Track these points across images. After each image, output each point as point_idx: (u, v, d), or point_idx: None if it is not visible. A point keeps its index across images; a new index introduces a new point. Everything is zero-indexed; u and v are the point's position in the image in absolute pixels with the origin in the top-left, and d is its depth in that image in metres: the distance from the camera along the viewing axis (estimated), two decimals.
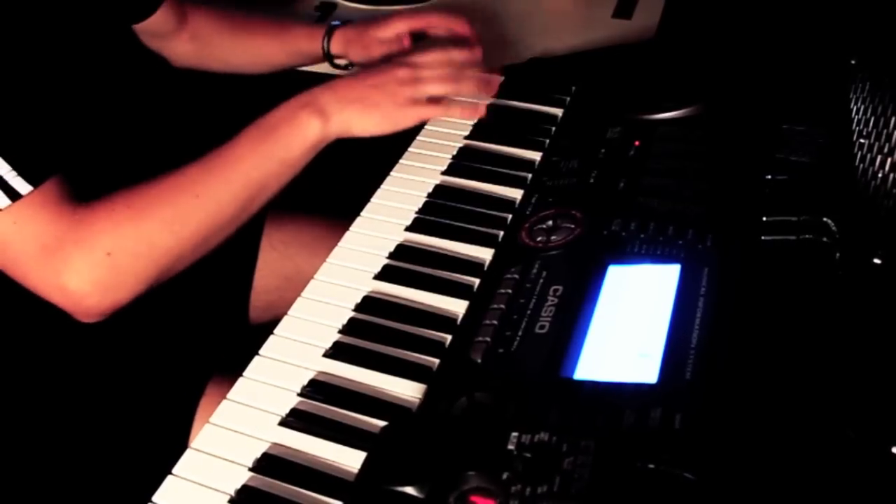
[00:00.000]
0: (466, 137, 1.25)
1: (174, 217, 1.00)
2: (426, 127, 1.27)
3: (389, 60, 1.18)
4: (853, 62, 1.09)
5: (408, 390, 0.90)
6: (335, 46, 1.39)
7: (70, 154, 1.00)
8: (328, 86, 1.11)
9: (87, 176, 1.01)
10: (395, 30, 1.35)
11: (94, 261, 0.96)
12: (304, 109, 1.08)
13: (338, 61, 1.41)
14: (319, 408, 0.89)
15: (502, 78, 1.26)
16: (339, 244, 1.09)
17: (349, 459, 0.84)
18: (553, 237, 1.01)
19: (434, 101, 1.15)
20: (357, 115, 1.09)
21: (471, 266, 1.03)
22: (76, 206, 0.97)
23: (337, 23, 1.40)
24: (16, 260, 0.95)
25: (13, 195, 0.92)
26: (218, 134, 1.08)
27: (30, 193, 0.93)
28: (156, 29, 1.33)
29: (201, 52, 1.41)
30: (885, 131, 0.94)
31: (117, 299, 0.98)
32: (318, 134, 1.07)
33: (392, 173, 1.20)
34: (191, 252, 1.02)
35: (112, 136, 1.14)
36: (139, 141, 1.19)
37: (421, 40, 1.38)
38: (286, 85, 1.41)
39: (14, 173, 0.91)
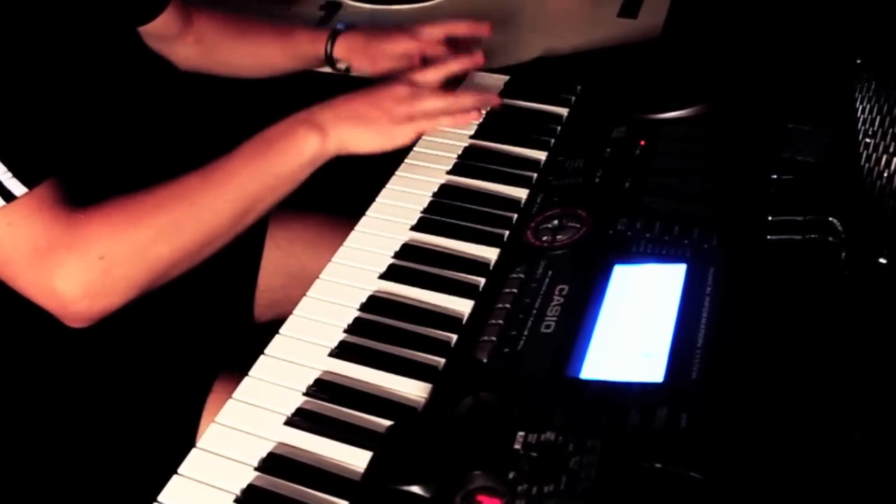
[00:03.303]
0: (472, 137, 1.25)
1: (169, 225, 1.00)
2: None
3: (390, 78, 1.18)
4: (858, 61, 1.09)
5: (413, 390, 0.90)
6: (338, 51, 1.39)
7: (67, 157, 1.00)
8: (327, 103, 1.11)
9: (86, 179, 1.01)
10: (403, 47, 1.35)
11: (87, 265, 0.95)
12: (303, 125, 1.08)
13: (339, 65, 1.41)
14: (325, 407, 0.89)
15: (500, 100, 1.26)
16: (345, 244, 1.09)
17: (355, 459, 0.84)
18: (558, 237, 1.01)
19: (429, 115, 1.14)
20: (354, 131, 1.10)
21: (476, 266, 1.03)
22: (71, 209, 0.97)
23: (341, 27, 1.40)
24: (7, 261, 0.95)
25: (7, 196, 0.91)
26: (219, 138, 1.08)
27: (24, 195, 0.92)
28: (161, 31, 1.33)
29: (205, 55, 1.41)
30: (890, 131, 0.94)
31: (107, 305, 0.98)
32: (316, 150, 1.08)
33: (397, 173, 1.20)
34: (184, 260, 1.02)
35: (113, 139, 1.14)
36: (140, 144, 1.19)
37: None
38: (291, 87, 1.43)
39: (9, 174, 0.91)
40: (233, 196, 1.03)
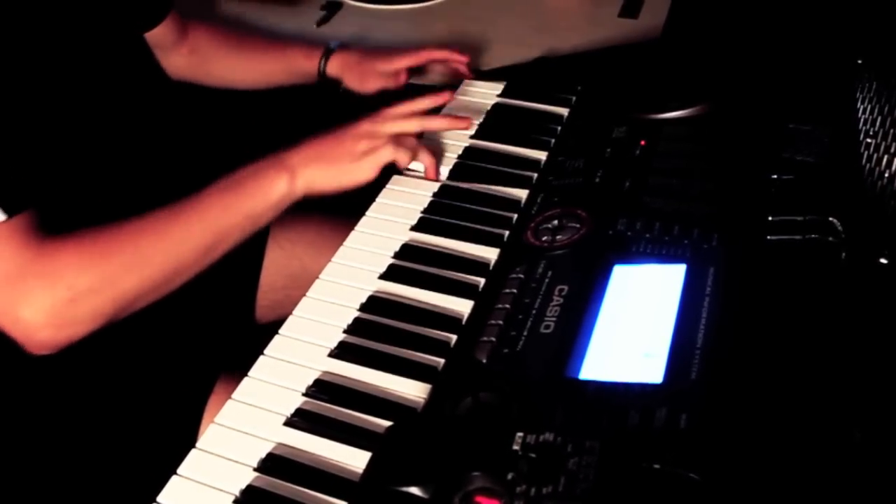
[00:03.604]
0: (472, 137, 1.25)
1: (137, 259, 1.01)
2: None
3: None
4: (859, 62, 1.09)
5: (413, 390, 0.90)
6: (332, 68, 1.42)
7: (50, 185, 1.00)
8: (295, 147, 1.13)
9: (66, 206, 1.02)
10: (397, 67, 1.39)
11: (55, 294, 0.96)
12: (272, 168, 1.09)
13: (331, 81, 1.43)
14: (324, 408, 0.89)
15: (471, 121, 1.27)
16: (345, 244, 1.09)
17: (354, 460, 0.84)
18: (558, 237, 1.00)
19: (389, 150, 1.14)
20: (318, 172, 1.11)
21: (476, 266, 1.03)
22: (44, 238, 0.97)
23: (335, 45, 1.42)
24: None
25: None
26: (207, 165, 1.09)
27: (2, 223, 0.93)
28: (156, 41, 1.34)
29: (199, 67, 1.43)
30: (891, 131, 0.94)
31: (70, 335, 0.98)
32: (284, 191, 1.09)
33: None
34: (150, 292, 1.03)
35: (97, 166, 1.14)
36: (125, 171, 1.19)
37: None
38: (282, 106, 1.44)
39: None
40: (201, 231, 1.05)
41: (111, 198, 1.11)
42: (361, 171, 1.12)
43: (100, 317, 0.99)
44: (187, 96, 1.45)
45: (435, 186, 1.16)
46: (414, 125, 1.17)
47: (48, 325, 0.96)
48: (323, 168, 1.11)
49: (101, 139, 1.12)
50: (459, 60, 1.42)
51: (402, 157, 1.14)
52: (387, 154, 1.13)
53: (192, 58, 1.42)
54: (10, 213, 0.93)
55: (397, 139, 1.14)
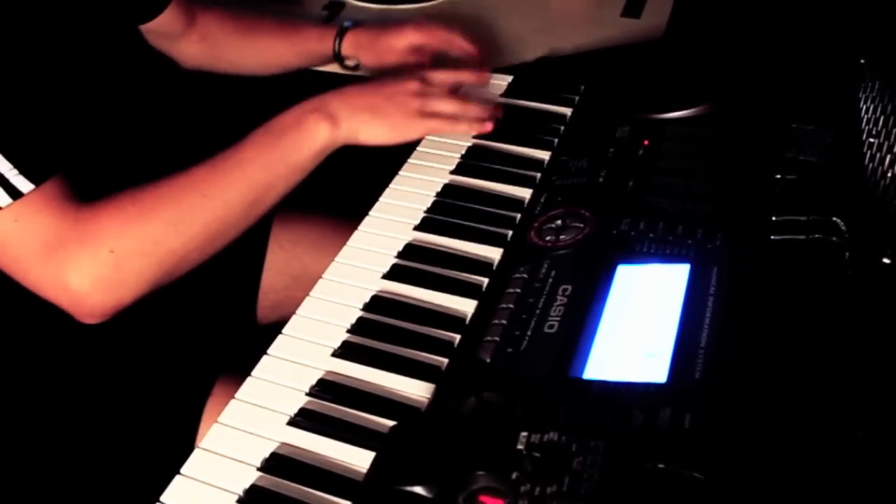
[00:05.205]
0: (475, 136, 1.25)
1: (180, 216, 1.00)
2: None
3: (401, 73, 1.20)
4: (862, 61, 1.09)
5: (416, 390, 0.90)
6: (346, 48, 1.40)
7: (73, 154, 1.00)
8: (339, 92, 1.12)
9: (91, 176, 1.01)
10: (409, 40, 1.37)
11: (98, 258, 0.95)
12: (313, 114, 1.08)
13: (347, 62, 1.42)
14: (328, 407, 0.89)
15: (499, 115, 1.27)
16: (348, 243, 1.09)
17: (358, 459, 0.84)
18: (562, 236, 1.00)
19: (442, 115, 1.17)
20: (366, 122, 1.11)
21: (480, 265, 1.03)
22: (79, 205, 0.97)
23: (349, 24, 1.41)
24: (17, 258, 0.95)
25: (14, 193, 0.91)
26: (224, 134, 1.08)
27: (31, 192, 0.92)
28: (164, 29, 1.33)
29: (210, 54, 1.41)
30: (894, 130, 0.94)
31: (119, 299, 0.98)
32: (326, 139, 1.08)
33: (401, 172, 1.20)
34: (195, 252, 1.02)
35: (117, 136, 1.14)
36: (144, 141, 1.19)
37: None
38: (294, 86, 1.43)
39: (15, 171, 0.91)
40: (243, 186, 1.04)
41: (132, 168, 1.10)
42: (412, 130, 1.14)
43: (147, 280, 0.99)
44: (191, 83, 1.45)
45: (438, 186, 1.16)
46: (457, 105, 1.19)
47: (96, 290, 0.96)
48: (371, 120, 1.11)
49: (108, 119, 1.12)
50: (468, 52, 1.39)
51: (456, 128, 1.19)
52: (438, 125, 1.16)
53: (203, 44, 1.41)
54: (37, 182, 0.93)
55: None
